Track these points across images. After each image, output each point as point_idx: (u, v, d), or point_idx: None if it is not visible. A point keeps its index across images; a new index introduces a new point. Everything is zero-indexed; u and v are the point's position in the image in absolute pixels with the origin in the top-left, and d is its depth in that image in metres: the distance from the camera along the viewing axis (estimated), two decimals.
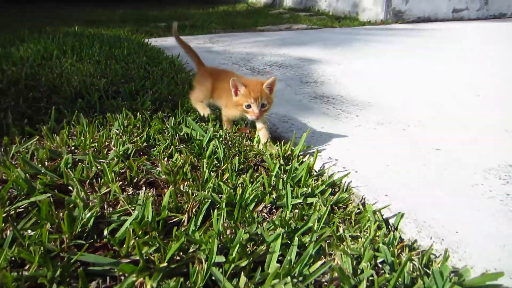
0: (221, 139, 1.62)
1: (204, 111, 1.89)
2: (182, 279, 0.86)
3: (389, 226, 1.15)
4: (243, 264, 0.94)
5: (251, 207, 1.19)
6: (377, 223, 1.12)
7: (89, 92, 2.22)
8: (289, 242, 1.01)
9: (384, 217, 1.20)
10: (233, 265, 0.91)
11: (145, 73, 2.80)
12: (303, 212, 1.14)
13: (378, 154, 1.61)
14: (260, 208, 1.21)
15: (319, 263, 0.93)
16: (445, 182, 1.39)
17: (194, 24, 7.16)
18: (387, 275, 0.88)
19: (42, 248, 0.94)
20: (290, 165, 1.40)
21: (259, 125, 1.69)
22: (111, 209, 1.18)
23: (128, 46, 3.76)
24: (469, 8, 8.47)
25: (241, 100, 1.55)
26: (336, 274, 0.87)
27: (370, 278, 0.88)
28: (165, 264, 0.91)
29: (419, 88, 2.65)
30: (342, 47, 4.47)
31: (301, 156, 1.56)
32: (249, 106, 1.54)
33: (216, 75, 1.87)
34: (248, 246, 1.02)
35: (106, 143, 1.61)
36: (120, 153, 1.48)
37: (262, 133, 1.66)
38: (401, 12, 8.01)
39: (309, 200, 1.23)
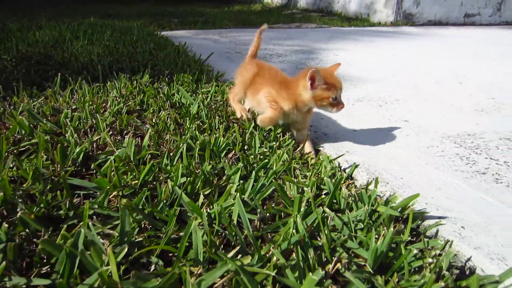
0: (206, 103, 1.79)
1: (243, 112, 1.69)
2: (148, 192, 1.02)
3: (342, 172, 1.29)
4: (207, 192, 1.10)
5: (222, 154, 1.35)
6: (332, 170, 1.26)
7: (94, 67, 2.42)
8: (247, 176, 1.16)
9: (341, 167, 1.34)
10: (194, 185, 1.06)
11: (150, 55, 2.99)
12: (266, 156, 1.29)
13: (350, 122, 1.75)
14: (230, 155, 1.36)
15: (270, 190, 1.07)
16: (403, 144, 1.52)
17: (207, 20, 7.38)
18: (323, 196, 1.03)
19: (36, 170, 1.11)
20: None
21: (303, 132, 1.53)
22: (100, 152, 1.36)
23: (138, 34, 3.97)
24: (481, 13, 8.45)
25: (325, 94, 1.36)
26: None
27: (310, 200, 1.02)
28: (137, 182, 1.07)
29: (405, 76, 2.76)
30: (342, 40, 4.60)
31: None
32: (335, 99, 1.38)
33: (262, 68, 1.65)
34: (215, 181, 1.17)
35: (103, 105, 1.79)
36: (114, 111, 1.65)
37: (307, 145, 1.47)
38: (411, 15, 8.06)
39: (277, 152, 1.38)
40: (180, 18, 7.56)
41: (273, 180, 1.13)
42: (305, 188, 1.06)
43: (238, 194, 1.00)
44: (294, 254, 0.81)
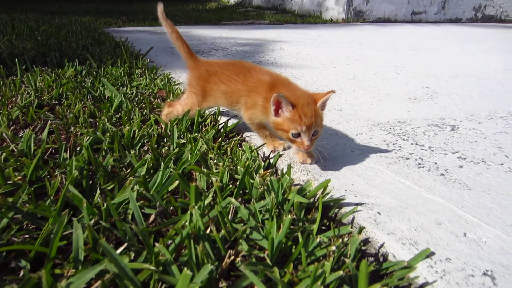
0: (132, 97, 1.66)
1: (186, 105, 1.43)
2: (32, 189, 0.89)
3: (261, 161, 1.21)
4: (110, 187, 0.99)
5: (138, 147, 1.24)
6: (252, 160, 1.18)
7: (13, 61, 2.21)
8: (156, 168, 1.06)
9: (268, 156, 1.27)
10: (95, 180, 0.95)
11: (84, 50, 2.80)
12: (182, 146, 1.19)
13: None
14: (146, 147, 1.25)
15: (177, 182, 0.98)
16: (332, 131, 1.48)
17: (157, 17, 7.16)
18: (230, 186, 0.95)
19: None
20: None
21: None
22: None
23: (75, 30, 3.74)
24: (427, 11, 8.81)
25: (285, 125, 1.12)
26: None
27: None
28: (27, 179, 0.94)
29: (346, 67, 2.77)
30: (291, 35, 4.59)
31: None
32: (297, 135, 1.12)
33: (224, 68, 1.36)
34: (121, 174, 1.06)
35: (13, 99, 1.62)
36: (22, 105, 1.49)
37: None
38: (361, 12, 8.25)
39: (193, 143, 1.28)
40: (130, 16, 7.28)
41: (181, 171, 1.04)
42: (212, 178, 0.97)
43: (137, 187, 0.90)
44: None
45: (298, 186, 1.03)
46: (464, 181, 1.13)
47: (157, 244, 0.70)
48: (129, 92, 1.81)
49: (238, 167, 1.03)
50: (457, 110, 1.82)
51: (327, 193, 1.01)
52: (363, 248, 0.90)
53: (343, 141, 1.40)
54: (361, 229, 0.92)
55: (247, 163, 1.10)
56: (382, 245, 0.87)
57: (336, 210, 1.00)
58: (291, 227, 0.86)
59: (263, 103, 1.21)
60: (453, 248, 0.84)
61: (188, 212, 0.79)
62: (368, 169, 1.19)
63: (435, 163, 1.25)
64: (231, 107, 1.35)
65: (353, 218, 0.96)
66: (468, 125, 1.61)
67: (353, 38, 4.59)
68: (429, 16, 9.02)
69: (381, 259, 0.86)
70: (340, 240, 0.80)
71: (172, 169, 1.01)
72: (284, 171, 1.16)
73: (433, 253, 0.82)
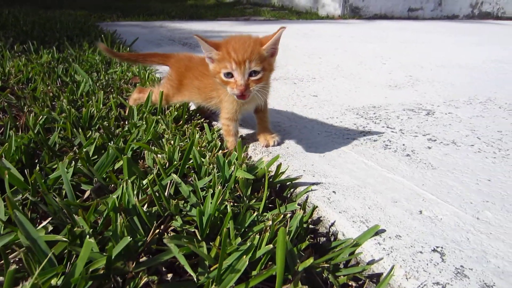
0: (103, 83, 1.62)
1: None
2: None
3: (217, 141, 1.17)
4: (55, 166, 0.94)
5: (95, 127, 1.20)
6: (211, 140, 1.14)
7: None
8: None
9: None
10: (42, 158, 0.90)
11: (68, 40, 2.77)
12: (137, 127, 1.15)
13: None
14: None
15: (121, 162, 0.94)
16: (305, 114, 1.44)
17: (153, 13, 7.11)
18: (175, 163, 0.90)
19: None
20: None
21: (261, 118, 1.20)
22: None
23: (62, 21, 3.70)
24: (424, 8, 8.75)
25: (216, 67, 1.01)
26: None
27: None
28: None
29: (331, 58, 2.72)
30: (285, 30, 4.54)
31: None
32: (229, 75, 0.99)
33: (199, 64, 1.27)
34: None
35: None
36: None
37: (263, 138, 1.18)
38: (358, 9, 8.20)
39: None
40: (126, 11, 7.24)
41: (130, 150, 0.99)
42: (158, 156, 0.93)
43: (79, 164, 0.86)
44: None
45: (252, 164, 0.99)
46: (430, 161, 1.09)
47: (76, 217, 0.66)
48: (102, 78, 1.77)
49: (194, 148, 0.98)
50: (436, 96, 1.78)
51: (282, 172, 0.96)
52: (315, 227, 0.85)
53: (312, 124, 1.35)
54: (314, 208, 0.87)
55: (201, 142, 1.06)
56: (333, 224, 0.83)
57: (292, 190, 0.95)
58: (235, 204, 0.82)
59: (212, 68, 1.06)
60: (406, 225, 0.79)
61: (120, 186, 0.75)
62: (331, 151, 1.14)
63: (403, 145, 1.20)
64: (207, 102, 1.25)
65: (307, 197, 0.91)
66: (445, 110, 1.56)
67: (346, 32, 4.54)
68: (425, 13, 8.97)
69: (332, 238, 0.82)
70: (282, 216, 0.76)
71: (113, 148, 0.96)
72: (247, 153, 1.12)
73: (383, 230, 0.78)
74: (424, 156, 1.12)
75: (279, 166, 0.95)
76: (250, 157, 1.14)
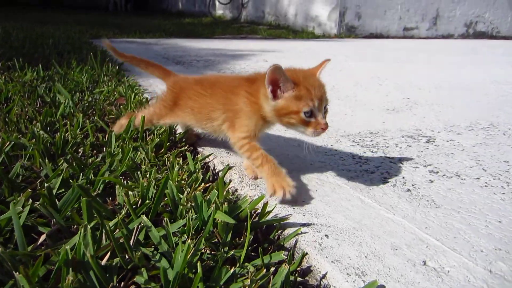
0: (83, 103, 1.53)
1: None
2: None
3: (199, 174, 1.06)
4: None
5: (69, 156, 1.09)
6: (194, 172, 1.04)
7: None
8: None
9: (215, 169, 1.13)
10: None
11: (58, 56, 2.69)
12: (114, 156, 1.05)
13: None
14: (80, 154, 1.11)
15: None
16: (298, 142, 1.35)
17: (149, 30, 7.10)
18: (147, 202, 0.80)
19: None
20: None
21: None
22: None
23: (55, 37, 3.65)
24: (419, 27, 8.81)
25: (292, 106, 0.91)
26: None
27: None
28: None
29: (327, 78, 2.64)
30: (279, 48, 4.50)
31: None
32: (310, 115, 0.92)
33: (194, 83, 1.17)
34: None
35: None
36: None
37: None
38: (354, 27, 8.24)
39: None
40: (123, 28, 7.22)
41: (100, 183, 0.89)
42: (129, 193, 0.83)
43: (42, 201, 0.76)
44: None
45: (241, 202, 0.89)
46: (432, 198, 0.99)
47: (15, 274, 0.55)
48: (86, 99, 1.68)
49: (169, 182, 0.88)
50: (436, 120, 1.69)
51: (269, 212, 0.86)
52: (303, 279, 0.75)
53: (304, 153, 1.26)
54: (303, 256, 0.77)
55: (182, 174, 0.96)
56: (324, 276, 0.72)
57: (280, 231, 0.85)
58: (213, 252, 0.71)
59: (250, 99, 0.99)
60: (408, 280, 0.69)
61: (78, 233, 0.64)
62: (325, 184, 1.04)
63: (403, 178, 1.10)
64: (201, 125, 1.13)
65: (296, 242, 0.81)
66: (445, 136, 1.48)
67: (341, 51, 4.51)
68: (421, 32, 9.03)
69: None
70: (265, 270, 0.65)
71: (75, 187, 0.86)
72: (233, 187, 1.02)
73: (382, 286, 0.67)
74: (426, 192, 1.02)
75: (265, 205, 0.85)
76: (236, 190, 1.04)
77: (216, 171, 1.14)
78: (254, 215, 0.86)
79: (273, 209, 0.89)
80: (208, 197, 0.82)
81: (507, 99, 2.16)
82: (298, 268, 0.76)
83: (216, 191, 0.83)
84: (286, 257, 0.72)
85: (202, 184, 0.95)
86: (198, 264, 0.59)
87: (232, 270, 0.62)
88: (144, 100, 1.70)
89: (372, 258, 0.75)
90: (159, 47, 4.41)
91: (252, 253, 0.76)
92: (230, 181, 1.04)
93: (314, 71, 1.02)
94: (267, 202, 0.86)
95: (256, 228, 0.85)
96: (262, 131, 1.05)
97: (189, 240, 0.62)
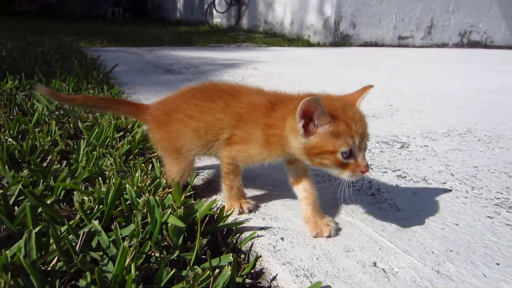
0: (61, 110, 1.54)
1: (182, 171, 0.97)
2: None
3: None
4: None
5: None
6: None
7: None
8: None
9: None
10: None
11: (45, 65, 2.72)
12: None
13: None
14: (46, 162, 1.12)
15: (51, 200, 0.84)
16: None
17: (145, 39, 7.15)
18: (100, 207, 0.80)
19: None
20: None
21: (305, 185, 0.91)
22: None
23: (46, 46, 3.68)
24: (414, 36, 8.87)
25: (328, 144, 0.75)
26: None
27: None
28: None
29: (311, 85, 2.67)
30: (271, 57, 4.54)
31: None
32: (349, 155, 0.76)
33: (191, 97, 0.96)
34: None
35: None
36: None
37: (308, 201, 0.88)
38: (349, 36, 8.30)
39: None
40: (119, 37, 7.27)
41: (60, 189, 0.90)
42: (85, 198, 0.83)
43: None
44: None
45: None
46: (395, 201, 0.99)
47: None
48: (65, 106, 1.69)
49: (127, 186, 0.89)
50: (414, 127, 1.70)
51: (227, 216, 0.87)
52: (255, 281, 0.75)
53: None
54: (256, 258, 0.77)
55: (146, 180, 0.97)
56: (274, 278, 0.73)
57: (237, 235, 0.86)
58: (162, 256, 0.72)
59: (268, 132, 0.83)
60: (355, 280, 0.69)
61: (23, 237, 0.65)
62: (289, 189, 1.05)
63: (369, 182, 1.11)
64: (207, 149, 0.94)
65: (252, 245, 0.81)
66: (420, 142, 1.48)
67: (333, 59, 4.54)
68: (416, 41, 9.09)
69: None
70: (208, 273, 0.65)
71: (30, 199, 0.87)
72: (199, 192, 1.03)
73: (327, 287, 0.68)
74: (390, 196, 1.03)
75: (222, 209, 0.85)
76: (203, 196, 1.04)
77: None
78: (217, 219, 0.87)
79: (231, 213, 0.89)
80: (159, 201, 0.82)
81: (488, 106, 2.18)
82: (252, 271, 0.77)
83: (171, 195, 0.84)
84: (231, 260, 0.72)
85: (166, 189, 0.96)
86: (133, 265, 0.59)
87: (172, 272, 0.63)
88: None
89: (323, 260, 0.75)
90: (151, 55, 4.44)
91: (203, 257, 0.76)
92: (195, 186, 1.04)
93: (353, 100, 0.86)
94: (224, 206, 0.86)
95: (215, 232, 0.86)
96: (272, 161, 0.89)
97: (126, 244, 0.62)
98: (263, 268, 0.76)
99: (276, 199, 0.99)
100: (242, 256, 0.81)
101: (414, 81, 3.07)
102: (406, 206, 0.97)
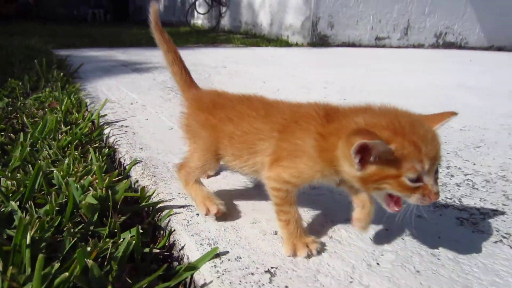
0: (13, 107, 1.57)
1: (209, 204, 0.86)
2: None
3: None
4: None
5: None
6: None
7: None
8: None
9: (124, 164, 1.19)
10: None
11: (8, 65, 2.73)
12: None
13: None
14: None
15: None
16: None
17: (122, 40, 7.14)
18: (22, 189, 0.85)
19: None
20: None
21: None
22: None
23: (13, 47, 3.68)
24: (391, 37, 9.06)
25: (389, 169, 0.66)
26: None
27: None
28: None
29: (277, 82, 2.74)
30: (245, 56, 4.61)
31: None
32: (418, 181, 0.67)
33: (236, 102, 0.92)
34: None
35: None
36: None
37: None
38: (326, 37, 8.44)
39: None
40: (97, 39, 7.24)
41: None
42: (8, 182, 0.88)
43: None
44: None
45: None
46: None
47: None
48: (17, 104, 1.73)
49: (55, 171, 0.94)
50: None
51: (149, 196, 0.93)
52: (169, 253, 0.81)
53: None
54: (170, 232, 0.83)
55: (79, 167, 1.02)
56: (182, 248, 0.79)
57: (159, 214, 0.92)
58: (74, 231, 0.77)
59: (320, 143, 0.73)
60: (253, 246, 0.76)
61: None
62: (227, 175, 1.11)
63: None
64: (235, 162, 0.87)
65: (169, 221, 0.87)
66: None
67: (305, 59, 4.64)
68: (392, 42, 9.28)
69: (181, 262, 0.78)
70: (109, 243, 0.71)
71: None
72: (147, 183, 1.07)
73: (226, 252, 0.74)
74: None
75: (142, 189, 0.91)
76: (137, 181, 1.09)
77: (124, 165, 1.20)
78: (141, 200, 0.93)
79: (153, 194, 0.95)
80: (77, 183, 0.87)
81: (437, 101, 2.29)
82: (166, 244, 0.83)
83: (90, 178, 0.89)
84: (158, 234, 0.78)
85: (95, 176, 1.01)
86: (28, 234, 0.64)
87: (73, 241, 0.68)
88: (77, 103, 1.75)
89: (230, 231, 0.82)
90: (124, 56, 4.46)
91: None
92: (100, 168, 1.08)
93: (434, 122, 0.75)
94: (144, 187, 0.92)
95: (139, 210, 0.92)
96: (325, 180, 0.78)
97: (27, 216, 0.68)
98: (175, 241, 0.82)
99: (203, 181, 1.05)
100: (162, 232, 0.88)
101: (377, 79, 3.18)
102: (327, 191, 1.04)
